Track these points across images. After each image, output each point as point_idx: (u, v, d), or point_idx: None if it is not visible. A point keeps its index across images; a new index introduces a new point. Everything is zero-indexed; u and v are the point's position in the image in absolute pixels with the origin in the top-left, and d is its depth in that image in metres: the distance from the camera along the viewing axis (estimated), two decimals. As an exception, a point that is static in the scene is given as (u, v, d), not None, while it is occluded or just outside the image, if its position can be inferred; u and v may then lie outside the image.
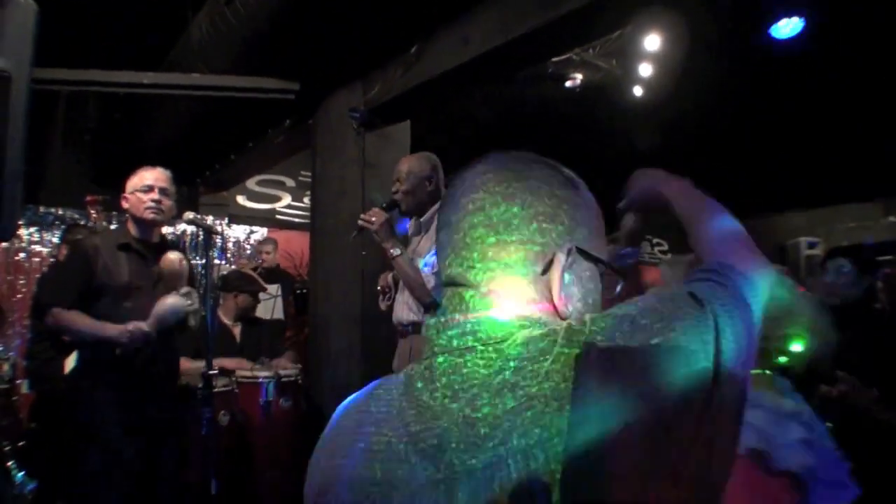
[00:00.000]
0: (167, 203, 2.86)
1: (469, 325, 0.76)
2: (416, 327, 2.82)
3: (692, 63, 4.73)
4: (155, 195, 2.81)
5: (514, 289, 0.77)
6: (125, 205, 2.87)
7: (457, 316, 0.77)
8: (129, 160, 3.16)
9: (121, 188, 2.89)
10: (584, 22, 2.98)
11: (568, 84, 5.51)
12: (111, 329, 2.64)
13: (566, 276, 0.78)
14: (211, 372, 2.72)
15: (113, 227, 5.13)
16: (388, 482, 0.71)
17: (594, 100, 5.55)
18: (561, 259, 0.78)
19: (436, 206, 2.82)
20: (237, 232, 6.86)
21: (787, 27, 4.32)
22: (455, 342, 0.76)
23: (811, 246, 8.47)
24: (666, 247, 2.31)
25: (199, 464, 2.95)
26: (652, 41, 4.86)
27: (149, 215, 2.80)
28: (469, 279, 0.79)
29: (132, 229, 2.89)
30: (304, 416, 3.92)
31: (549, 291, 0.77)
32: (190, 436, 3.04)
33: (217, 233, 4.79)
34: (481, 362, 0.72)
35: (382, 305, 3.04)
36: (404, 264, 2.69)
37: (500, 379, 0.70)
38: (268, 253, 5.88)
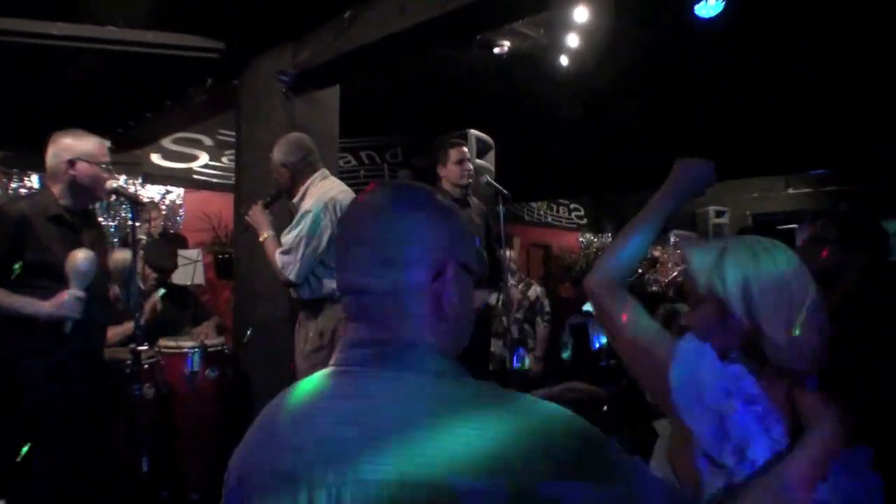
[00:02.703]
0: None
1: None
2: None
3: (617, 37, 4.83)
4: (109, 175, 2.69)
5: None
6: (70, 171, 2.62)
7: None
8: (33, 115, 2.95)
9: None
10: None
11: (496, 51, 5.52)
12: (42, 306, 2.46)
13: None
14: (140, 347, 2.65)
15: (24, 191, 4.82)
16: None
17: (521, 67, 5.58)
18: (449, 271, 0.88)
19: (304, 187, 3.13)
20: (152, 192, 6.57)
21: (709, 7, 4.48)
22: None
23: (719, 214, 8.97)
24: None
25: (128, 440, 2.88)
26: (580, 13, 4.92)
27: (103, 193, 2.69)
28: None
29: (62, 198, 2.65)
30: (231, 387, 3.87)
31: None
32: (117, 411, 2.96)
33: (142, 203, 4.58)
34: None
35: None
36: (270, 246, 3.06)
37: None
38: (154, 218, 5.38)
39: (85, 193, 2.68)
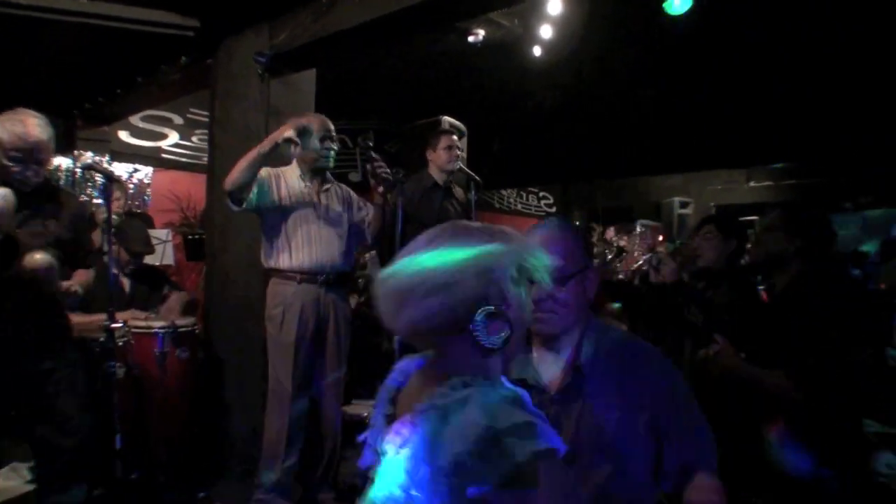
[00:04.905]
0: (41, 170, 2.64)
1: None
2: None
3: (589, 30, 4.92)
4: (24, 170, 2.57)
5: None
6: None
7: None
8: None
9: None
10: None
11: (470, 39, 5.56)
12: None
13: None
14: (113, 325, 2.66)
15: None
16: None
17: (494, 56, 5.64)
18: None
19: None
20: (119, 170, 6.47)
21: (678, 3, 4.59)
22: None
23: (683, 205, 9.18)
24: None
25: (101, 418, 2.88)
26: (553, 5, 4.99)
27: (21, 187, 2.56)
28: None
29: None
30: (202, 368, 3.89)
31: None
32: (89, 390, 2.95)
33: (118, 179, 4.52)
34: None
35: None
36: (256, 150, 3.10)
37: None
38: (117, 198, 4.89)
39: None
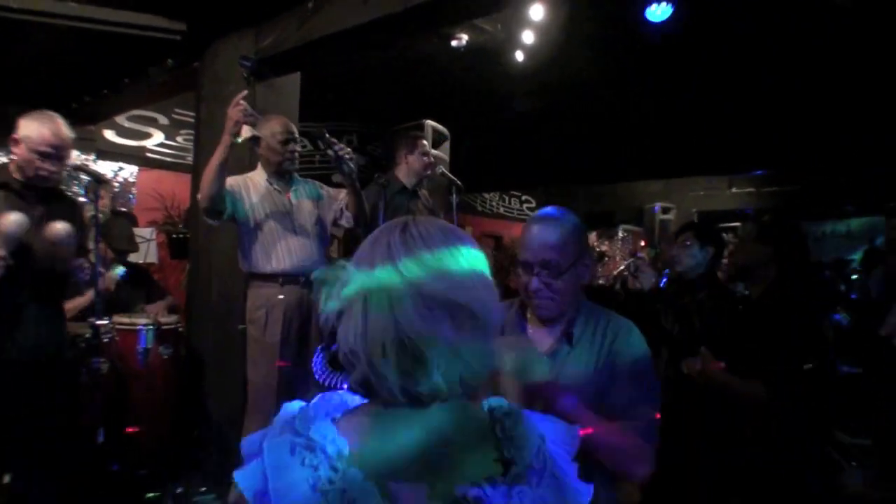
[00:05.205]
0: (63, 169, 2.78)
1: None
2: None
3: (571, 36, 5.01)
4: (50, 166, 2.70)
5: None
6: (14, 148, 2.70)
7: None
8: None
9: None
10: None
11: (454, 43, 5.65)
12: None
13: None
14: (99, 322, 2.72)
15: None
16: None
17: (477, 60, 5.72)
18: None
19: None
20: (104, 169, 6.50)
21: (658, 11, 4.70)
22: None
23: (665, 211, 9.30)
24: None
25: (85, 412, 2.95)
26: (536, 11, 5.08)
27: (40, 183, 2.71)
28: None
29: (17, 173, 2.74)
30: (184, 365, 3.95)
31: None
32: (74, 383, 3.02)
33: (107, 181, 4.57)
34: None
35: None
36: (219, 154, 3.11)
37: None
38: (103, 197, 5.38)
39: (24, 172, 2.73)
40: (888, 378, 3.08)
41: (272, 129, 3.33)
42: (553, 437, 0.90)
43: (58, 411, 2.76)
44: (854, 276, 6.75)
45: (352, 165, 3.21)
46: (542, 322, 1.74)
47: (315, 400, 0.91)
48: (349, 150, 3.25)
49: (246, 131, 3.09)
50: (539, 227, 1.70)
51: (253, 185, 3.33)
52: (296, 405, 0.89)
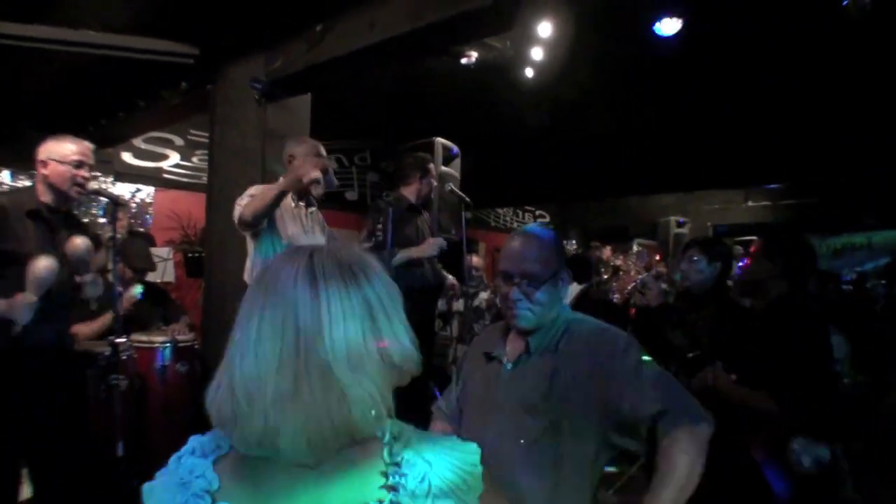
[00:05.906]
0: (91, 179, 2.89)
1: None
2: None
3: (579, 52, 5.05)
4: (85, 172, 2.80)
5: None
6: (43, 170, 2.78)
7: None
8: (3, 111, 3.06)
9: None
10: (489, 17, 3.13)
11: (463, 61, 5.71)
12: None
13: None
14: (118, 340, 2.78)
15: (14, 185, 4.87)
16: None
17: (487, 77, 5.78)
18: None
19: None
20: (122, 190, 6.64)
21: (668, 26, 4.72)
22: None
23: (679, 224, 9.24)
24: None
25: (103, 427, 3.00)
26: (544, 28, 5.13)
27: (75, 192, 2.79)
28: None
29: (44, 195, 2.82)
30: (201, 381, 4.00)
31: None
32: (92, 400, 3.08)
33: (124, 203, 4.68)
34: None
35: None
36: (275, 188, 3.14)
37: None
38: (121, 218, 5.45)
39: (58, 192, 2.81)
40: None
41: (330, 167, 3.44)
42: (445, 462, 0.91)
43: (58, 411, 2.81)
44: (874, 287, 6.68)
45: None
46: (521, 333, 1.80)
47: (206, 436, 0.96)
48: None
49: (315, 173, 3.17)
50: (521, 241, 1.78)
51: (283, 202, 3.33)
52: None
